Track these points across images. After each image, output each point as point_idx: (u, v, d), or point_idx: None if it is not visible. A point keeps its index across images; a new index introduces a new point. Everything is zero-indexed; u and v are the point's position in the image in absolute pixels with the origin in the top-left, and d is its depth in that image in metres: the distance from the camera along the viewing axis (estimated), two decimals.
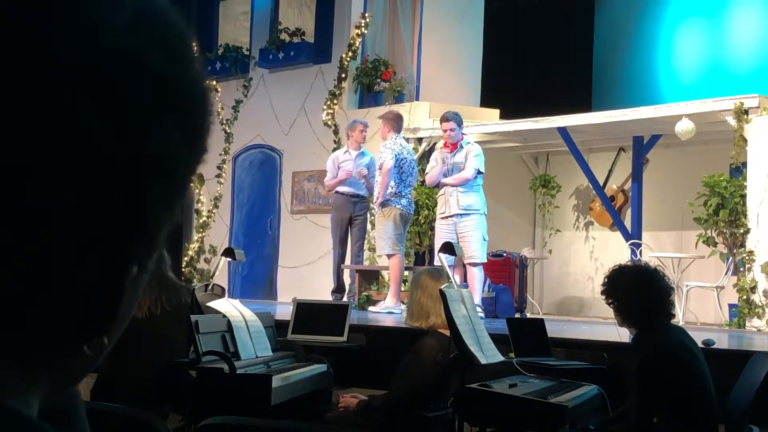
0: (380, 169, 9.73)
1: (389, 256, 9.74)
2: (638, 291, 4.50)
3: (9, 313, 0.58)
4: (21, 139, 0.55)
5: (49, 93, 0.55)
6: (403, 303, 10.75)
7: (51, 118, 0.55)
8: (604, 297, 4.68)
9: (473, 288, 8.96)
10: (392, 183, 9.58)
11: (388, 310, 9.57)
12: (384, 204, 9.62)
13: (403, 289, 10.10)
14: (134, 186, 0.59)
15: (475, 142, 9.75)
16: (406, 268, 11.49)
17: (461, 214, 9.17)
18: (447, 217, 9.27)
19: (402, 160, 9.64)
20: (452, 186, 9.24)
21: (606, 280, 4.68)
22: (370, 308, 10.03)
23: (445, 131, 9.38)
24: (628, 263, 4.97)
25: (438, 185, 9.55)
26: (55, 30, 0.56)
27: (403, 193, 9.66)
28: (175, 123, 0.61)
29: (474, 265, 9.13)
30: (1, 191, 0.55)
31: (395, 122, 9.92)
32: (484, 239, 9.18)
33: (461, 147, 9.33)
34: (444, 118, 9.43)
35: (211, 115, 0.65)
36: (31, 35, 0.55)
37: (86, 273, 0.59)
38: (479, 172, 9.21)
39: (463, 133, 9.50)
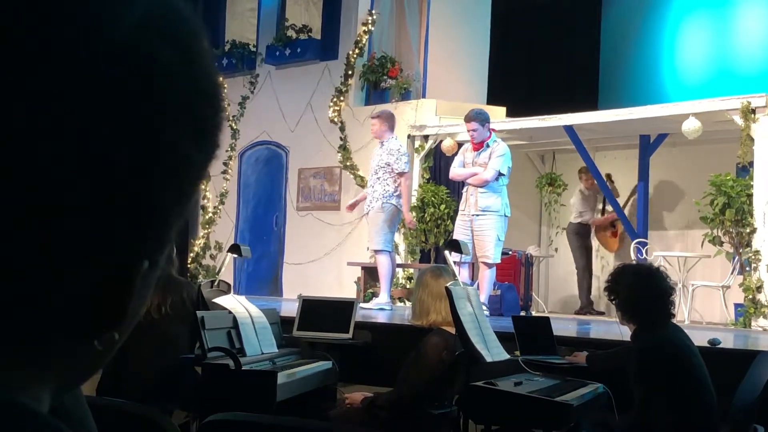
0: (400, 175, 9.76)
1: (378, 252, 9.73)
2: (638, 289, 4.58)
3: (20, 309, 0.58)
4: (30, 136, 0.55)
5: (58, 89, 0.55)
6: (400, 300, 10.78)
7: (60, 115, 0.55)
8: (606, 294, 4.78)
9: (482, 287, 8.93)
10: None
11: (379, 307, 9.53)
12: (384, 202, 9.62)
13: (408, 286, 10.07)
14: (145, 183, 0.59)
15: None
16: (405, 266, 11.52)
17: (476, 214, 9.14)
18: (465, 214, 9.28)
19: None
20: (473, 186, 9.20)
21: (609, 278, 4.76)
22: (362, 305, 9.94)
23: (469, 132, 9.30)
24: (632, 262, 5.02)
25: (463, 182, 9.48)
26: (62, 26, 0.56)
27: (399, 194, 9.67)
28: (186, 119, 0.61)
29: (486, 264, 9.10)
30: (12, 188, 0.55)
31: (391, 123, 9.92)
32: (499, 239, 9.09)
33: (487, 146, 9.24)
34: (466, 118, 9.31)
35: (223, 112, 0.65)
36: (38, 32, 0.55)
37: (97, 269, 0.59)
38: (500, 174, 9.10)
39: (492, 130, 9.41)
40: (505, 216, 9.16)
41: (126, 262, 0.60)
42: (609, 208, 12.49)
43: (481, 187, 9.11)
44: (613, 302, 4.75)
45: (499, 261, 9.20)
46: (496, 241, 9.05)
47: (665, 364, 4.40)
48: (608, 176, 12.59)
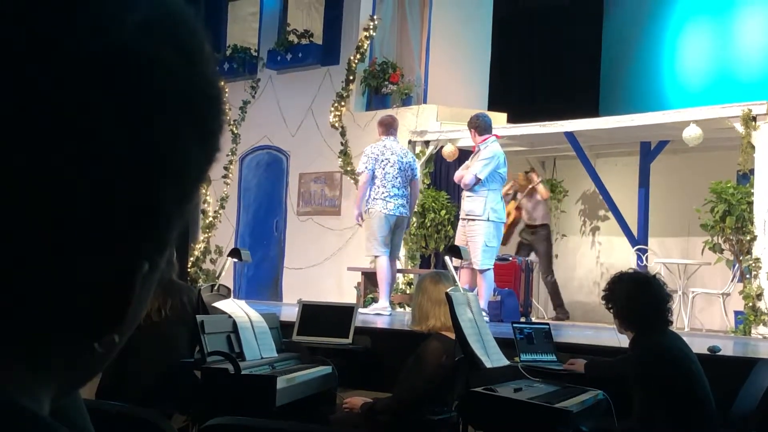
0: (358, 175, 9.88)
1: (373, 257, 9.74)
2: (635, 297, 4.58)
3: (21, 311, 0.58)
4: (29, 136, 0.55)
5: (58, 90, 0.55)
6: (400, 305, 10.77)
7: (63, 116, 0.55)
8: (603, 303, 4.77)
9: (480, 293, 8.91)
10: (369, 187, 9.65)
11: (376, 312, 9.53)
12: (369, 207, 9.64)
13: (408, 291, 10.04)
14: (146, 184, 0.59)
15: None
16: (405, 271, 11.50)
17: (466, 219, 9.19)
18: (461, 219, 9.33)
19: (384, 161, 9.60)
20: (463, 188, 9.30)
21: (606, 286, 4.77)
22: (361, 309, 9.89)
23: None
24: (629, 270, 5.02)
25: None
26: (65, 28, 0.56)
27: (387, 196, 9.60)
28: (186, 121, 0.61)
29: (479, 270, 9.09)
30: (12, 188, 0.55)
31: (384, 126, 9.90)
32: (487, 245, 9.05)
33: (478, 149, 9.31)
34: None
35: (224, 115, 0.65)
36: (40, 33, 0.55)
37: (98, 270, 0.59)
38: (478, 179, 9.09)
39: (494, 135, 9.44)
40: (491, 221, 9.09)
41: (126, 263, 0.60)
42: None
43: (466, 190, 9.18)
44: (610, 310, 4.75)
45: (487, 267, 9.11)
46: (484, 248, 9.01)
47: (664, 371, 4.40)
48: (532, 170, 12.51)
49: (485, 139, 9.28)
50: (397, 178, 9.59)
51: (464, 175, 9.22)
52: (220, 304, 5.39)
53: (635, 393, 4.48)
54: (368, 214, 9.63)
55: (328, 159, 13.02)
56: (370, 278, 11.01)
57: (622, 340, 5.03)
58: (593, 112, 13.39)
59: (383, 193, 9.55)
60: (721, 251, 9.80)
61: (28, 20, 0.55)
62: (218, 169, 13.95)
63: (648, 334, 4.56)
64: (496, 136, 9.53)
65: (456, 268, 8.69)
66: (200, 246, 14.23)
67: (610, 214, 12.38)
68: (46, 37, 0.55)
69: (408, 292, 11.35)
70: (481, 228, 9.05)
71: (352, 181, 12.60)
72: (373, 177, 9.58)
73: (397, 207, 9.60)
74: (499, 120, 12.14)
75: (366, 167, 9.58)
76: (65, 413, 0.66)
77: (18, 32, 0.55)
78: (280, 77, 13.93)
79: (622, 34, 14.85)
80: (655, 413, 4.37)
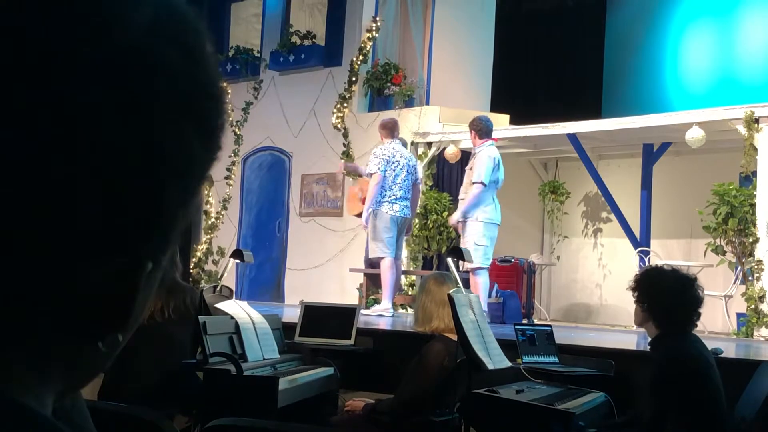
0: (369, 176, 9.83)
1: (379, 259, 9.73)
2: (677, 295, 4.46)
3: (24, 310, 0.58)
4: (32, 136, 0.55)
5: (64, 89, 0.55)
6: (402, 306, 10.76)
7: (66, 114, 0.55)
8: (635, 295, 4.60)
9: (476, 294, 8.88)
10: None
11: (378, 314, 9.52)
12: (375, 209, 9.62)
13: (411, 292, 10.01)
14: (150, 183, 0.59)
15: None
16: (407, 273, 11.47)
17: (460, 221, 9.20)
18: (458, 222, 9.32)
19: (395, 164, 9.61)
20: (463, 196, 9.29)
21: (643, 278, 4.63)
22: (363, 311, 9.85)
23: None
24: (666, 266, 4.88)
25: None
26: (71, 28, 0.56)
27: (393, 199, 9.60)
28: (190, 121, 0.62)
29: (471, 270, 9.03)
30: (17, 187, 0.55)
31: (388, 129, 9.89)
32: (476, 244, 9.01)
33: (474, 153, 9.31)
34: None
35: (225, 114, 0.66)
36: (44, 33, 0.55)
37: (101, 269, 0.59)
38: (483, 185, 9.05)
39: (492, 139, 9.42)
40: (480, 221, 9.06)
41: (129, 262, 0.60)
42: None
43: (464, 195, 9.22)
44: (642, 304, 4.59)
45: (481, 265, 9.07)
46: (474, 247, 8.99)
47: (681, 381, 4.31)
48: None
49: (482, 143, 9.29)
50: (405, 181, 9.64)
51: (472, 190, 9.14)
52: (223, 305, 5.39)
53: (649, 399, 4.41)
54: (374, 215, 9.63)
55: (330, 160, 13.02)
56: (372, 279, 11.00)
57: (630, 342, 5.00)
58: (596, 113, 13.39)
59: (390, 195, 9.58)
60: (724, 253, 9.79)
61: (33, 21, 0.55)
62: (221, 170, 13.97)
63: (672, 334, 4.46)
64: (494, 140, 9.51)
65: (467, 272, 8.69)
66: (203, 247, 14.24)
67: (612, 216, 12.36)
68: (49, 38, 0.55)
69: (410, 293, 11.34)
70: (470, 228, 9.08)
71: (354, 182, 12.59)
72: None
73: (403, 209, 9.65)
74: (501, 121, 12.13)
75: (378, 168, 9.58)
76: (66, 413, 0.66)
77: (21, 32, 0.55)
78: (282, 78, 13.93)
79: (624, 36, 14.85)
80: (665, 420, 4.32)
